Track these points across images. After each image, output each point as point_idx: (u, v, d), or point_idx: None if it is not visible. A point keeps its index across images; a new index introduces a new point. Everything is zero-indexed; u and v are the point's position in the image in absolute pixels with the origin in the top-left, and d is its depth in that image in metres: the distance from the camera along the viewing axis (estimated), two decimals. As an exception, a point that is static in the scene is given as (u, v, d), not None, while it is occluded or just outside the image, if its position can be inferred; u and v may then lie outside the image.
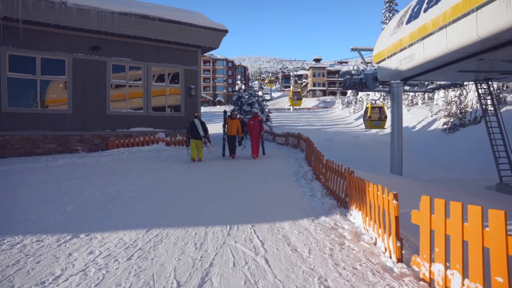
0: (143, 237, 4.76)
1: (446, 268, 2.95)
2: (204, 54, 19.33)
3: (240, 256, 4.02)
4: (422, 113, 34.66)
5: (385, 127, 23.48)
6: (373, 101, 24.03)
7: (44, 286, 3.36)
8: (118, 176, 9.51)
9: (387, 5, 42.66)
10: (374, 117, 23.04)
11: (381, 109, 23.26)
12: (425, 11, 9.52)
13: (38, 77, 13.20)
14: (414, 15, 10.16)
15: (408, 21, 10.50)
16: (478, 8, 7.28)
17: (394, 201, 3.66)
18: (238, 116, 15.43)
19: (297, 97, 57.80)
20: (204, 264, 3.81)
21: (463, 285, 2.74)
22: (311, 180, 8.99)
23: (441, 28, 8.59)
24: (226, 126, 13.01)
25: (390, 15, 41.74)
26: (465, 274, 2.76)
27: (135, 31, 14.26)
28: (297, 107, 65.17)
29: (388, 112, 24.53)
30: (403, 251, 3.77)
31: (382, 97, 42.09)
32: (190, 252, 4.17)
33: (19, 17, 11.97)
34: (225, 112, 13.87)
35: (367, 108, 23.33)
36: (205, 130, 12.15)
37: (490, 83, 13.31)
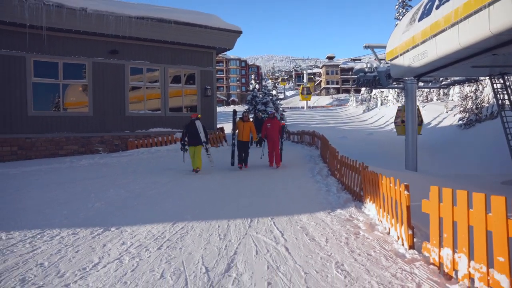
0: (169, 229, 5.10)
1: (454, 252, 3.19)
2: (218, 54, 19.69)
3: (262, 245, 4.32)
4: (437, 109, 34.36)
5: (420, 132, 20.95)
6: None
7: (85, 272, 3.72)
8: (140, 175, 9.92)
9: (400, 1, 42.34)
10: None
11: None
12: (437, 8, 9.63)
13: (61, 81, 13.76)
14: (426, 12, 10.28)
15: (420, 18, 10.62)
16: (490, 4, 7.40)
17: (406, 192, 3.90)
18: (255, 116, 14.39)
19: (306, 92, 67.92)
20: (229, 252, 4.12)
21: (469, 266, 2.98)
22: (326, 176, 9.23)
23: (453, 25, 8.71)
24: (237, 130, 10.82)
25: (404, 10, 41.40)
26: (471, 257, 3.00)
27: (152, 34, 14.71)
28: (308, 101, 71.34)
29: (422, 114, 21.34)
30: (414, 239, 4.01)
31: (397, 94, 41.80)
32: (215, 242, 4.49)
33: (43, 25, 12.54)
34: (234, 112, 11.73)
35: (399, 110, 19.91)
36: (207, 135, 10.25)
37: (506, 77, 13.27)
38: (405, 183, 3.98)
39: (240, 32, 16.90)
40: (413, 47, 10.95)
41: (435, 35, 9.55)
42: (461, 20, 8.31)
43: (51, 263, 3.94)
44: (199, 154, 10.01)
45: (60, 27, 13.07)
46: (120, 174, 9.94)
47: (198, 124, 9.99)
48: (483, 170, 16.36)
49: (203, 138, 9.92)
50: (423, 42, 10.23)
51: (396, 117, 19.92)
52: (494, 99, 22.22)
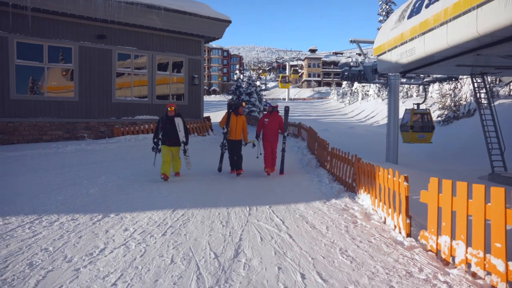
0: (170, 216, 5.18)
1: (452, 239, 3.42)
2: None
3: (265, 232, 4.47)
4: (416, 105, 35.30)
5: (431, 141, 17.11)
6: (415, 105, 16.85)
7: (93, 257, 3.76)
8: (130, 161, 9.88)
9: (384, -3, 42.89)
10: (418, 127, 16.47)
11: (426, 116, 16.74)
12: (426, 7, 9.89)
13: (45, 65, 13.39)
14: (415, 11, 10.54)
15: (410, 16, 10.88)
16: (478, 6, 7.68)
17: (405, 183, 4.12)
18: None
19: (285, 81, 73.06)
20: (234, 239, 4.25)
21: (466, 252, 3.22)
22: (316, 167, 9.45)
23: (442, 24, 8.98)
24: (229, 125, 8.56)
25: (387, 7, 42.02)
26: (468, 243, 3.23)
27: (140, 20, 14.45)
28: (289, 92, 75.44)
29: (401, 111, 17.39)
30: (411, 228, 4.24)
31: (378, 89, 42.59)
32: (219, 229, 4.60)
33: (28, 5, 12.12)
34: (229, 105, 9.40)
35: (407, 113, 16.88)
36: (187, 134, 8.21)
37: (485, 77, 13.79)
38: (404, 175, 4.20)
39: (229, 22, 16.82)
40: (401, 44, 11.22)
41: (423, 33, 9.82)
42: (450, 20, 8.59)
43: (56, 248, 3.95)
44: (177, 155, 8.08)
45: (46, 8, 12.65)
46: (110, 161, 9.86)
47: (178, 121, 7.98)
48: (460, 165, 17.01)
49: (181, 138, 7.94)
50: (412, 39, 10.51)
51: (403, 122, 16.82)
52: (471, 97, 23.03)
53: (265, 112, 9.11)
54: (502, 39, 7.97)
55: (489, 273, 2.99)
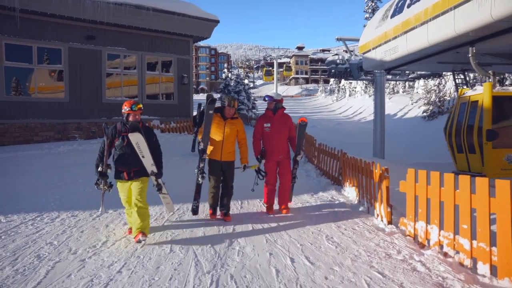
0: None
1: (427, 224, 3.78)
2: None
3: (256, 222, 4.78)
4: (403, 101, 35.99)
5: None
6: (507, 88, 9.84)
7: (96, 249, 4.02)
8: (123, 161, 10.06)
9: (369, -6, 43.45)
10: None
11: None
12: (408, 6, 10.31)
13: (35, 66, 13.44)
14: (398, 10, 10.95)
15: (393, 15, 11.29)
16: (455, 7, 8.10)
17: (386, 174, 4.47)
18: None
19: (268, 74, 79.43)
20: (228, 229, 4.54)
21: (439, 235, 3.58)
22: (304, 162, 9.79)
23: (422, 23, 9.40)
24: (212, 136, 5.02)
25: (373, 4, 42.60)
26: (441, 227, 3.59)
27: (130, 21, 14.57)
28: (276, 88, 77.69)
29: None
30: (392, 216, 4.60)
31: (365, 85, 43.22)
32: (213, 221, 4.89)
33: (16, 6, 12.16)
34: (209, 98, 4.95)
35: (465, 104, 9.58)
36: (158, 155, 4.52)
37: (466, 73, 14.30)
38: (385, 167, 4.54)
39: (217, 22, 17.03)
40: (385, 42, 11.62)
41: (406, 32, 10.23)
42: (430, 20, 9.00)
43: (60, 242, 4.19)
44: (141, 196, 4.29)
45: (34, 9, 12.68)
46: (103, 161, 10.03)
47: (138, 139, 4.20)
48: (443, 159, 17.57)
49: (149, 168, 4.34)
50: (395, 38, 10.91)
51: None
52: (455, 93, 23.69)
53: (262, 113, 5.83)
54: (478, 38, 8.41)
55: (457, 252, 3.35)
